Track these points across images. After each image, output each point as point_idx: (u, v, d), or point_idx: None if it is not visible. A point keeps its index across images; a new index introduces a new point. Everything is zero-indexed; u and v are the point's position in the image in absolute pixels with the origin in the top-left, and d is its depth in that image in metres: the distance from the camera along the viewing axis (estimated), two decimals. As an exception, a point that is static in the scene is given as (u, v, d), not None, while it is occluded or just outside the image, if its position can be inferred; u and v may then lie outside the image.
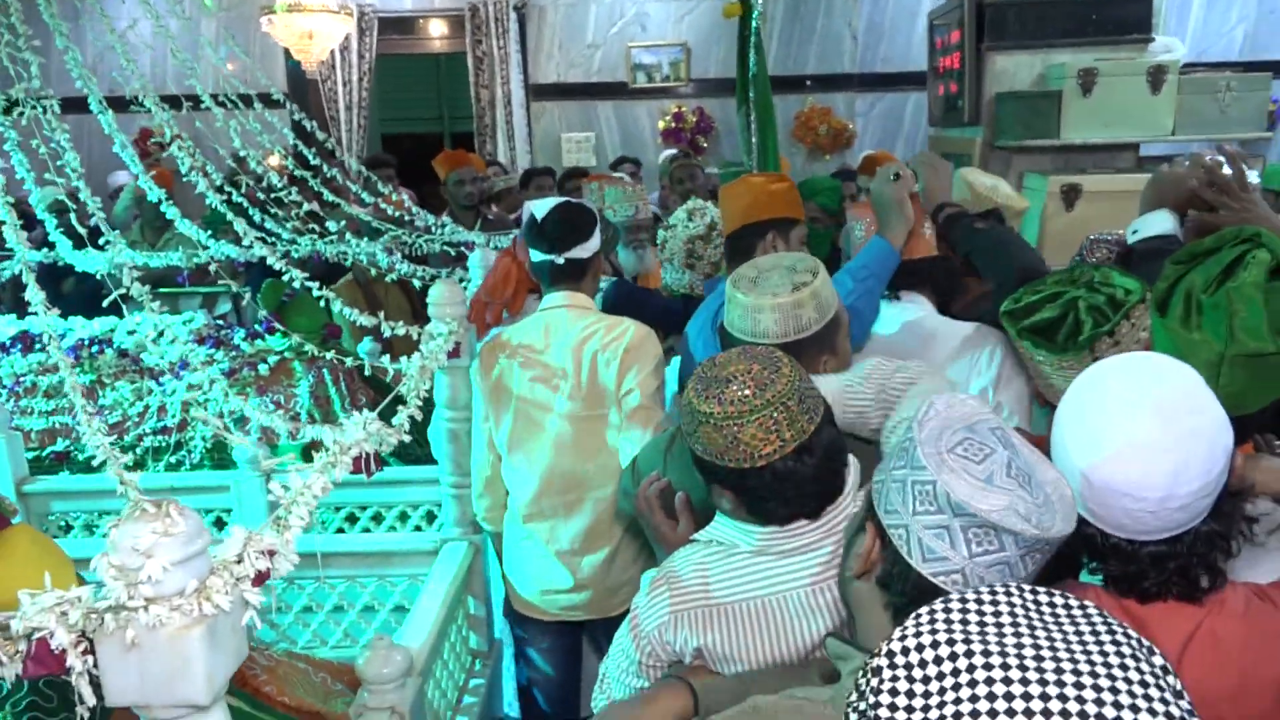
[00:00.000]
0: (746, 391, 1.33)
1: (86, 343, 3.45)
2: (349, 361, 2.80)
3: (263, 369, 3.36)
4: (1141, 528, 1.14)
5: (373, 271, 3.19)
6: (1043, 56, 2.67)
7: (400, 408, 1.80)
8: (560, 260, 2.34)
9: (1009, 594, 0.81)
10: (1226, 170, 1.93)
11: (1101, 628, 0.77)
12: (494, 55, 7.57)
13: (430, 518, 2.95)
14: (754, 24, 3.76)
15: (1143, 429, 1.11)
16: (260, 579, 1.06)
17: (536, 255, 2.38)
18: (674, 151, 7.04)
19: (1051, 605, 0.80)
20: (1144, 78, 2.51)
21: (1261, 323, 1.35)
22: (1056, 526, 1.09)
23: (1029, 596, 0.81)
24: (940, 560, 1.09)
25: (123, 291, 1.92)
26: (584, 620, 2.48)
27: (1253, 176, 2.03)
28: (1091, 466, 1.14)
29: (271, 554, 1.10)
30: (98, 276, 2.41)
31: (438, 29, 7.87)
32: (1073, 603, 0.80)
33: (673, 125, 7.63)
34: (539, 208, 2.43)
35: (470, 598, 2.55)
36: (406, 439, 1.78)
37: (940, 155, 3.23)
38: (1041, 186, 2.52)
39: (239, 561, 1.04)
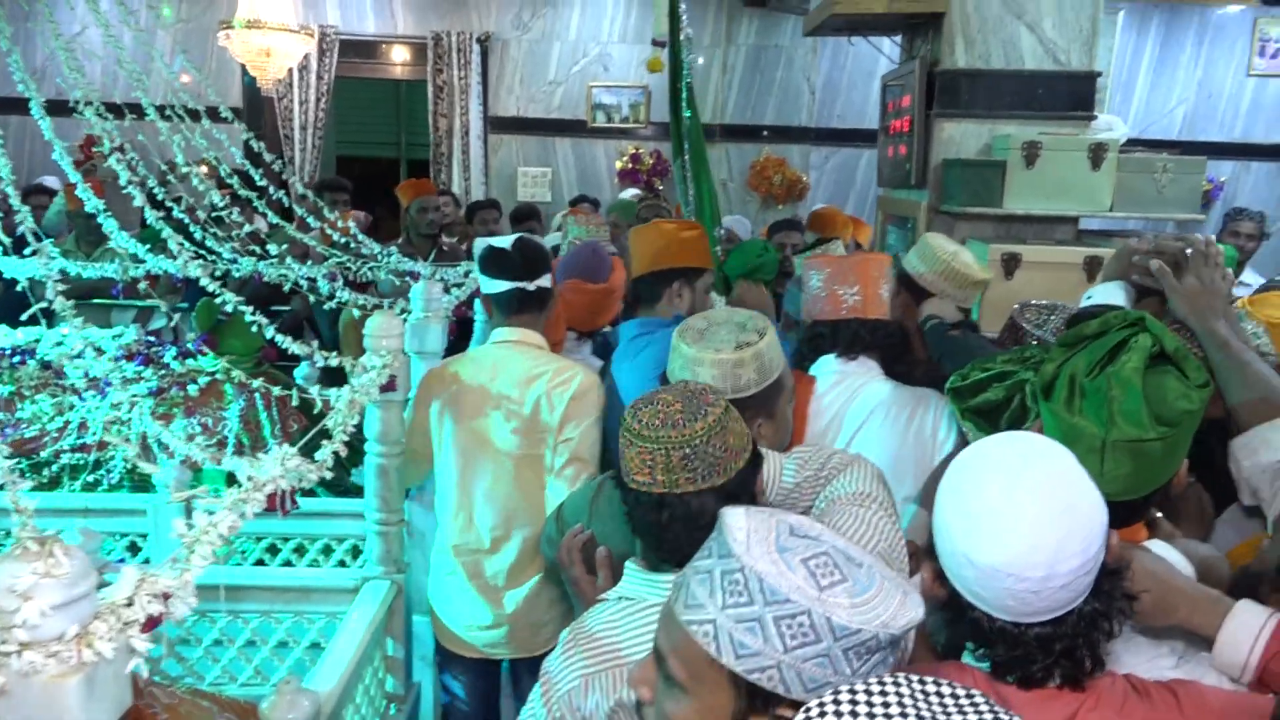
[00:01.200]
0: (656, 420, 1.36)
1: (8, 352, 3.33)
2: (281, 389, 2.74)
3: (192, 389, 3.26)
4: (1027, 609, 1.14)
5: (312, 298, 3.13)
6: (989, 127, 2.73)
7: (325, 442, 1.75)
8: (531, 287, 2.34)
9: (897, 685, 0.81)
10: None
11: (988, 718, 0.77)
12: (454, 85, 7.57)
13: (355, 553, 2.87)
14: (685, 78, 3.83)
15: (1021, 509, 1.12)
16: (151, 624, 1.01)
17: (501, 285, 2.36)
18: (637, 191, 7.07)
19: (939, 695, 0.80)
20: (1085, 154, 2.57)
21: (1140, 409, 1.33)
22: (881, 622, 0.97)
23: (917, 687, 0.81)
24: (753, 656, 0.98)
25: (44, 305, 1.86)
26: (508, 658, 2.44)
27: None
28: (974, 548, 1.14)
29: (167, 597, 1.05)
30: (19, 286, 2.33)
31: (400, 55, 7.85)
32: (960, 692, 0.80)
33: (629, 166, 7.67)
34: (499, 242, 2.44)
35: (389, 639, 2.48)
36: (328, 475, 1.74)
37: (888, 216, 3.29)
38: (983, 253, 2.56)
39: (129, 604, 0.99)
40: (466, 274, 3.69)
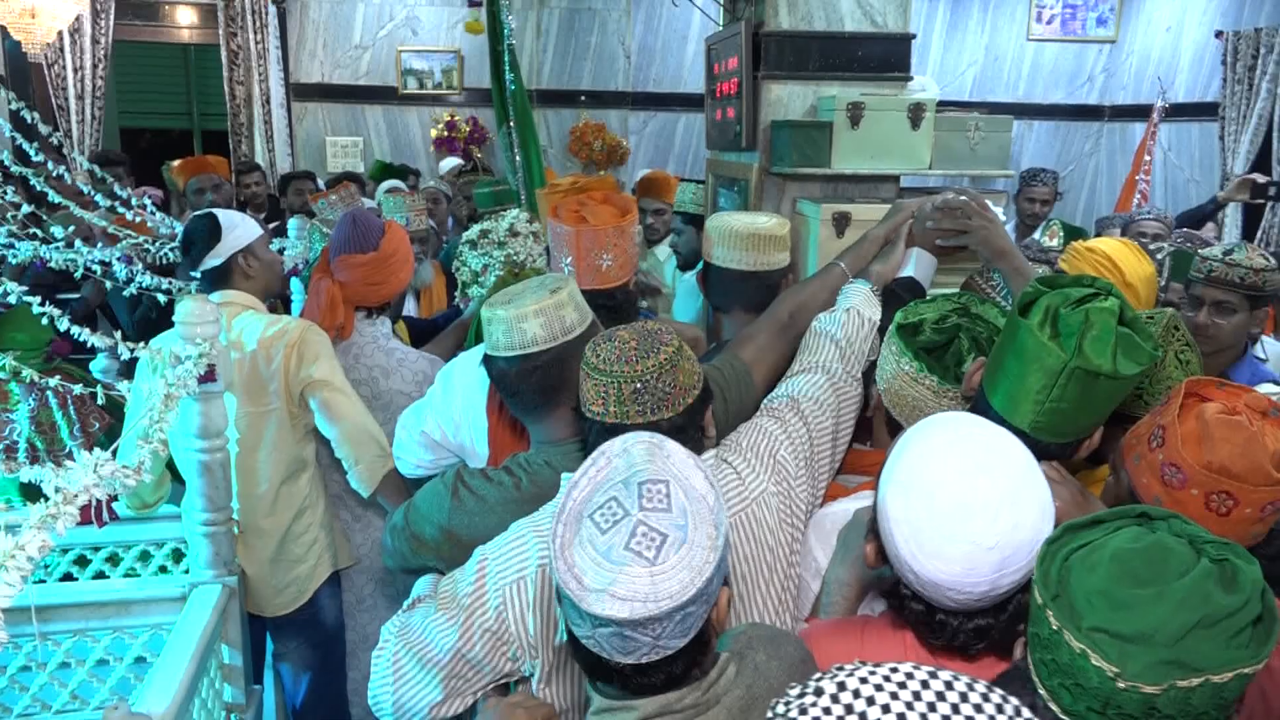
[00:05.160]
0: (613, 355, 1.45)
1: None
2: (83, 386, 2.48)
3: (-32, 392, 2.91)
4: (967, 610, 1.18)
5: (109, 284, 2.85)
6: (814, 88, 2.76)
7: (142, 443, 1.58)
8: (197, 272, 2.59)
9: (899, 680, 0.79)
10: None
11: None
12: (250, 50, 7.09)
13: (177, 557, 2.66)
14: (505, 41, 3.72)
15: (967, 532, 1.13)
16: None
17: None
18: (459, 162, 6.86)
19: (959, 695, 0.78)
20: (905, 114, 2.64)
21: (1109, 345, 1.42)
22: (673, 600, 1.03)
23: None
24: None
25: None
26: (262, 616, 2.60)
27: (998, 211, 2.24)
28: (917, 564, 1.16)
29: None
30: None
31: (186, 17, 7.28)
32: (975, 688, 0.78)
33: (445, 134, 7.44)
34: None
35: (225, 646, 2.31)
36: (148, 479, 1.58)
37: (718, 179, 3.30)
38: (815, 213, 2.60)
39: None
40: (281, 251, 3.47)
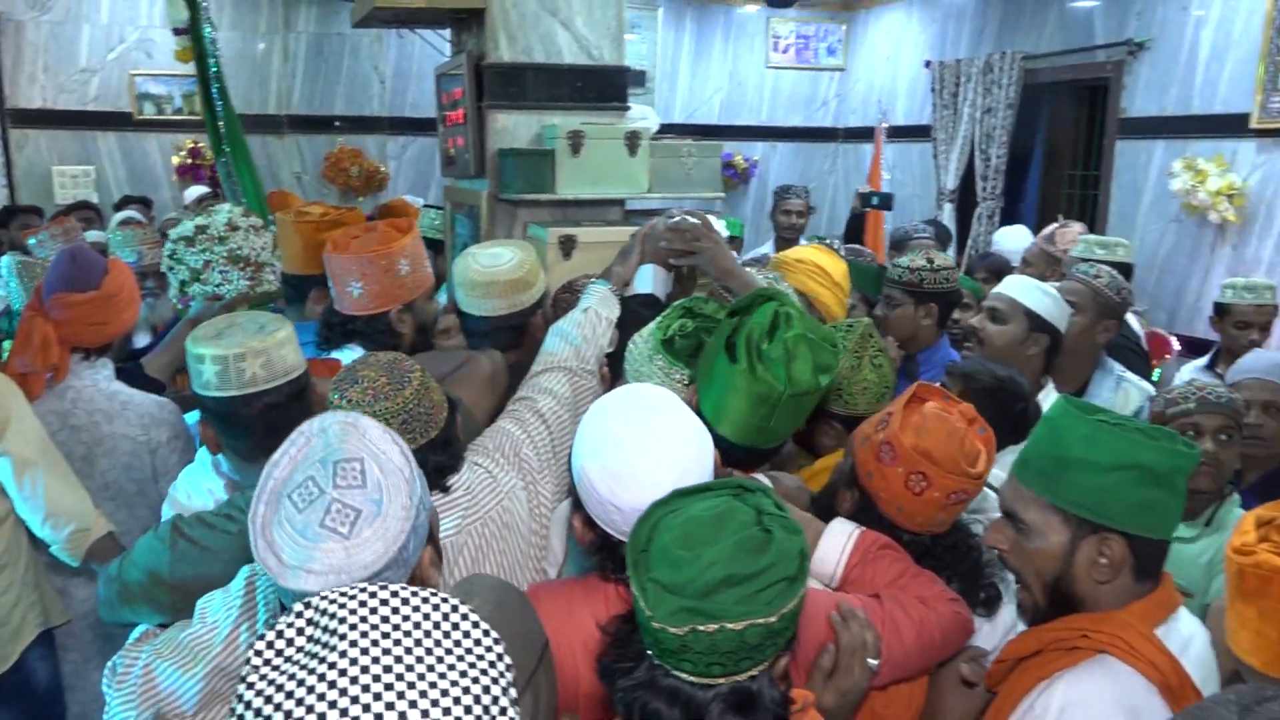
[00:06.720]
0: (367, 396, 1.51)
1: None
2: None
3: None
4: None
5: None
6: (538, 117, 2.88)
7: None
8: None
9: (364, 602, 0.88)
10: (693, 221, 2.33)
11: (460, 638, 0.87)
12: (-43, 73, 6.49)
13: None
14: (212, 68, 3.65)
15: (653, 454, 1.35)
16: None
17: None
18: (204, 190, 6.55)
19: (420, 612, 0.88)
20: (623, 141, 2.81)
21: (810, 366, 1.63)
22: (367, 569, 1.09)
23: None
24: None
25: None
26: None
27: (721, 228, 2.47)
28: (617, 494, 1.35)
29: None
30: None
31: (-124, 36, 6.58)
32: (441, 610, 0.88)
33: (189, 161, 7.08)
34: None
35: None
36: None
37: (455, 205, 3.36)
38: (544, 237, 2.71)
39: None
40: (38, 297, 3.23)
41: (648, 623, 1.08)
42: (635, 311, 2.23)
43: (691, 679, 1.09)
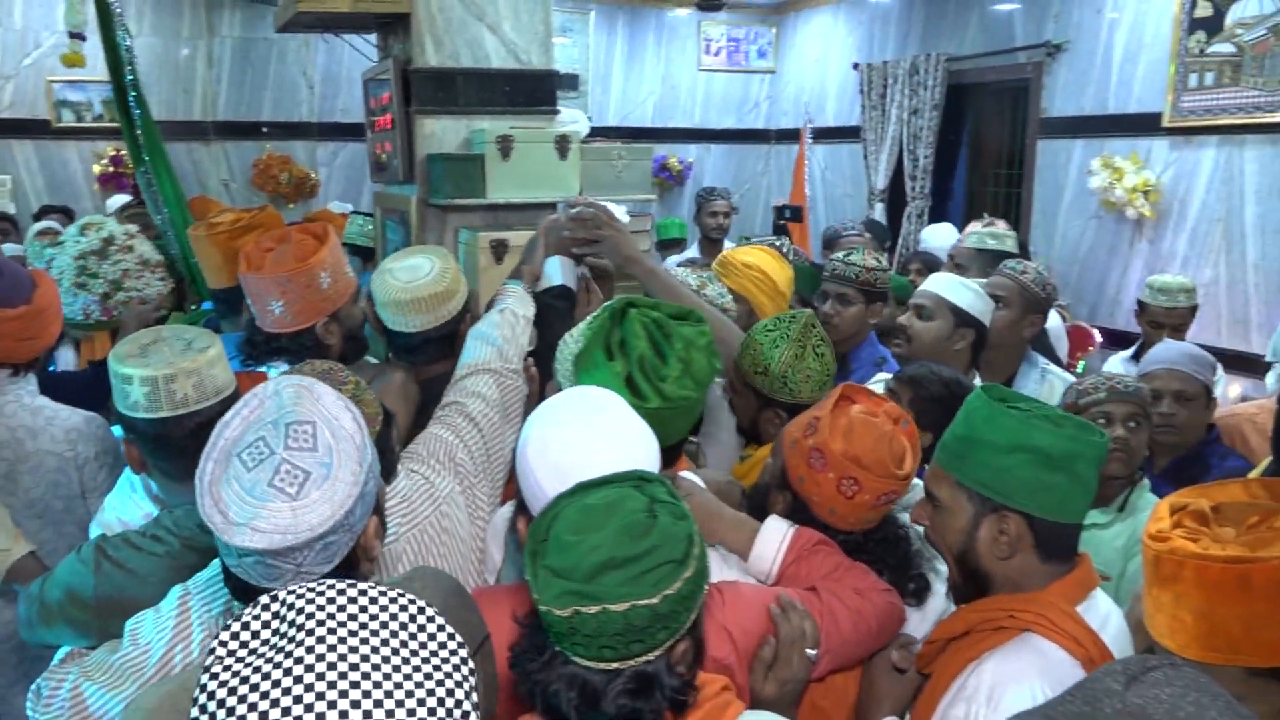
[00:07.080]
0: None
1: None
2: None
3: None
4: None
5: None
6: (466, 122, 2.87)
7: None
8: None
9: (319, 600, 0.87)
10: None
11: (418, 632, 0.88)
12: None
13: None
14: (128, 75, 3.57)
15: (598, 451, 1.37)
16: None
17: None
18: (128, 199, 6.38)
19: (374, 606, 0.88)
20: (553, 145, 2.81)
21: (706, 367, 1.71)
22: (312, 531, 1.10)
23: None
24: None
25: None
26: None
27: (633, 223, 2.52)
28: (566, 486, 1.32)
29: None
30: None
31: None
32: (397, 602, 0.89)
33: (111, 170, 6.89)
34: None
35: None
36: None
37: (386, 211, 3.33)
38: (474, 241, 2.70)
39: None
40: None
41: (537, 607, 1.11)
42: (550, 305, 2.27)
43: (586, 663, 1.11)
